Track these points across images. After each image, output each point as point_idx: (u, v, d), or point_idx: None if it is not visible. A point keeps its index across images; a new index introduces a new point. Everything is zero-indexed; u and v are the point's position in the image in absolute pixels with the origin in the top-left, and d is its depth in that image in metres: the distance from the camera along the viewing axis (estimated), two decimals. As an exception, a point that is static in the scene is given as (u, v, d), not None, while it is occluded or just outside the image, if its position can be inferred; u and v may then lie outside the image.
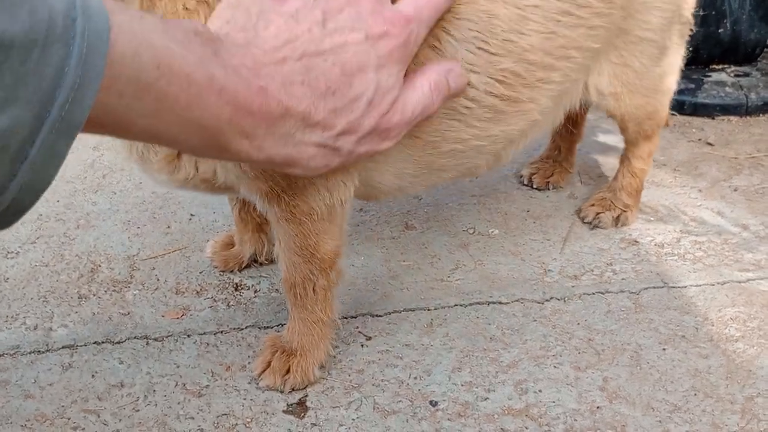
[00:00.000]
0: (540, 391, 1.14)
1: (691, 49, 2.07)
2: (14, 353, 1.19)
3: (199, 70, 0.68)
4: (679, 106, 2.01)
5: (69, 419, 1.08)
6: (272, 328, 1.25)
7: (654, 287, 1.36)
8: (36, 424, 1.07)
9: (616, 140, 1.66)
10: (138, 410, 1.10)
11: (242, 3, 0.85)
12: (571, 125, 1.65)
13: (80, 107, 0.55)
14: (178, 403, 1.11)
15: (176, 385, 1.14)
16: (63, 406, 1.10)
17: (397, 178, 1.13)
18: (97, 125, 0.62)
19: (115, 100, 0.61)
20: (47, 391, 1.13)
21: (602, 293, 1.35)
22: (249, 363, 1.18)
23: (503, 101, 1.08)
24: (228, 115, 0.71)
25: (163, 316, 1.28)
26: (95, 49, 0.56)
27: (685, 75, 2.07)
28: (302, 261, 1.08)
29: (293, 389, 1.13)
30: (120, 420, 1.08)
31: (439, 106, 0.93)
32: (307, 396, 1.13)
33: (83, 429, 1.06)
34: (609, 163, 1.76)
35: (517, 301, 1.33)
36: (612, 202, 1.55)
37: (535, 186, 1.67)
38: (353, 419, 1.09)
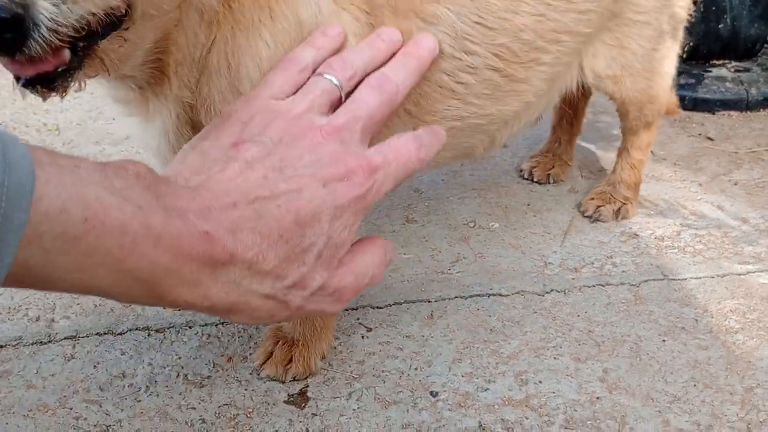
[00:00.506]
0: (540, 382, 1.14)
1: (691, 44, 2.09)
2: (17, 344, 1.20)
3: (136, 218, 0.65)
4: (679, 101, 2.01)
5: (71, 409, 1.08)
6: (273, 319, 1.26)
7: (654, 279, 1.36)
8: (38, 414, 1.07)
9: (616, 135, 1.66)
10: (140, 400, 1.10)
11: (200, 145, 0.83)
12: (571, 117, 1.66)
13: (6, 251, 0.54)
14: (180, 394, 1.11)
15: (178, 375, 1.14)
16: (65, 396, 1.10)
17: None
18: (19, 281, 0.59)
19: (39, 255, 0.58)
20: (49, 381, 1.13)
21: (602, 285, 1.35)
22: (250, 354, 1.18)
23: (501, 77, 1.11)
24: (166, 263, 0.68)
25: (164, 308, 1.28)
26: (16, 203, 0.54)
27: (686, 70, 2.08)
28: None
29: (295, 379, 1.13)
30: (122, 410, 1.08)
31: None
32: (308, 386, 1.13)
33: (85, 419, 1.07)
34: (609, 158, 1.76)
35: (517, 293, 1.33)
36: (612, 195, 1.55)
37: (535, 179, 1.68)
38: (354, 409, 1.09)
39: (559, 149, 1.71)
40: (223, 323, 1.25)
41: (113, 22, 0.78)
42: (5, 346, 1.19)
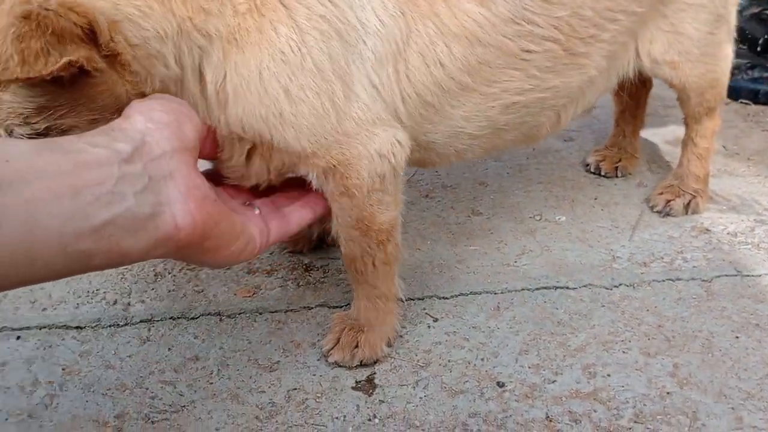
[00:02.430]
0: (608, 375, 1.13)
1: (766, 37, 2.03)
2: (95, 326, 1.24)
3: None
4: (753, 96, 1.96)
5: (147, 389, 1.12)
6: (341, 307, 1.28)
7: (726, 275, 1.34)
8: (116, 393, 1.11)
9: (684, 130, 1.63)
10: (212, 383, 1.13)
11: None
12: (633, 108, 1.65)
13: None
14: (251, 377, 1.14)
15: (248, 360, 1.17)
16: (141, 376, 1.14)
17: (453, 138, 1.14)
18: None
19: None
20: (126, 362, 1.17)
21: (672, 280, 1.33)
22: (318, 341, 1.20)
23: (562, 50, 1.13)
24: None
25: (235, 294, 1.31)
26: None
27: (760, 64, 2.02)
28: (359, 234, 1.11)
29: (362, 363, 1.15)
30: (195, 391, 1.11)
31: None
32: (375, 374, 1.15)
33: (161, 399, 1.10)
34: (678, 154, 1.72)
35: (584, 286, 1.32)
36: (680, 188, 1.53)
37: (603, 173, 1.66)
38: (421, 397, 1.10)
39: (624, 142, 1.69)
40: (292, 310, 1.27)
41: None
42: (85, 327, 1.24)
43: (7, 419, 1.07)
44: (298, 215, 1.05)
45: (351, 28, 1.00)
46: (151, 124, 0.82)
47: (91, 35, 0.83)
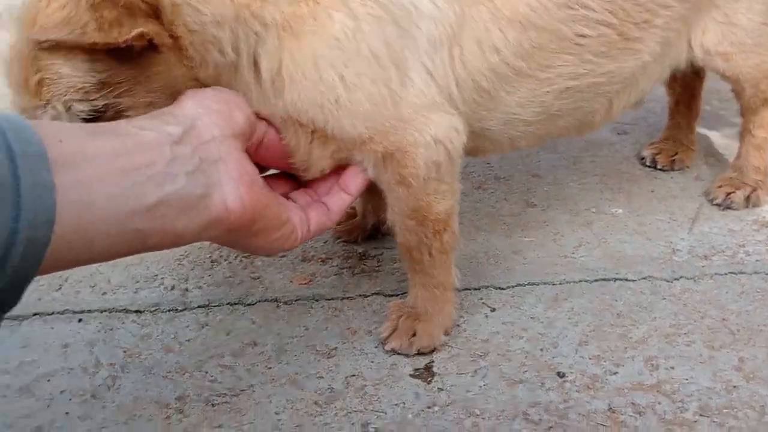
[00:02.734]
0: (672, 368, 1.11)
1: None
2: (155, 310, 1.25)
3: None
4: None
5: (207, 373, 1.13)
6: (397, 296, 1.27)
7: (791, 270, 1.31)
8: (176, 376, 1.12)
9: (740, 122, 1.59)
10: (270, 368, 1.14)
11: None
12: (687, 100, 1.62)
13: (34, 143, 0.62)
14: (309, 363, 1.14)
15: (306, 346, 1.17)
16: (201, 360, 1.15)
17: (508, 125, 1.13)
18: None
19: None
20: (186, 346, 1.18)
21: (735, 274, 1.30)
22: (375, 328, 1.20)
23: (616, 34, 1.13)
24: None
25: (291, 281, 1.31)
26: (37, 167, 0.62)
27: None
28: (415, 224, 1.10)
29: (419, 352, 1.14)
30: (254, 376, 1.12)
31: None
32: (433, 362, 1.14)
33: (220, 382, 1.11)
34: (735, 147, 1.69)
35: (644, 278, 1.30)
36: (740, 180, 1.50)
37: (659, 166, 1.63)
38: (480, 386, 1.09)
39: (680, 134, 1.66)
40: (348, 298, 1.27)
41: None
42: (144, 311, 1.25)
43: (70, 399, 1.08)
44: (336, 201, 1.05)
45: (405, 12, 1.00)
46: (201, 110, 0.84)
47: (155, 14, 0.84)
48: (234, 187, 0.82)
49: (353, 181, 1.05)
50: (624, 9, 1.12)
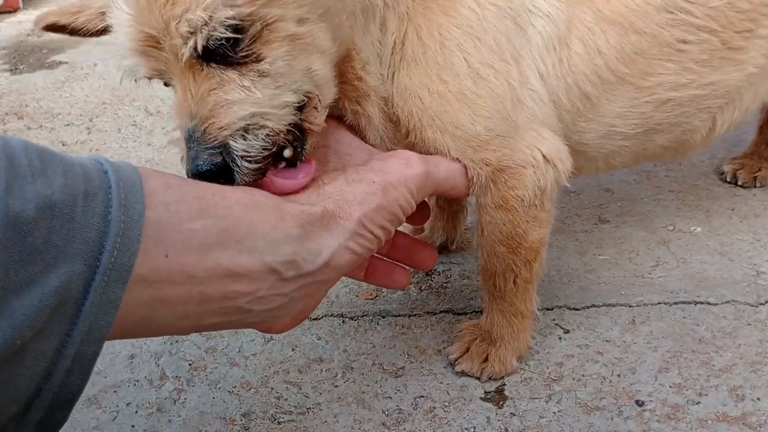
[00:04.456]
0: (758, 399, 1.05)
1: None
2: (220, 322, 1.24)
3: None
4: None
5: (272, 389, 1.11)
6: (466, 314, 1.24)
7: None
8: (242, 391, 1.11)
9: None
10: (337, 385, 1.11)
11: None
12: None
13: (128, 251, 0.56)
14: (376, 382, 1.11)
15: (373, 364, 1.14)
16: (266, 375, 1.13)
17: (605, 139, 1.08)
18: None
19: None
20: (251, 360, 1.16)
21: (826, 300, 1.23)
22: (444, 347, 1.17)
23: (719, 41, 1.07)
24: None
25: (357, 296, 1.29)
26: (132, 194, 0.58)
27: None
28: (507, 251, 1.05)
29: (490, 378, 1.10)
30: (320, 393, 1.10)
31: None
32: (504, 385, 1.10)
33: (286, 399, 1.09)
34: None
35: (727, 302, 1.23)
36: None
37: (740, 183, 1.56)
38: (554, 412, 1.04)
39: (766, 151, 1.58)
40: (416, 315, 1.24)
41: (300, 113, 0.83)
42: (210, 323, 1.24)
43: (137, 412, 1.08)
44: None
45: (523, 9, 0.96)
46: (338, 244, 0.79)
47: None
48: (289, 320, 0.82)
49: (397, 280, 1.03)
50: (726, 16, 1.07)
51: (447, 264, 1.37)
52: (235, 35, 0.76)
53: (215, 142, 0.77)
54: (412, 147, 0.95)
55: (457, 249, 1.39)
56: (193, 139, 0.77)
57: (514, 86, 0.95)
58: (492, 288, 1.10)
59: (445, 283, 1.32)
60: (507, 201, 1.00)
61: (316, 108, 0.84)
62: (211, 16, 0.74)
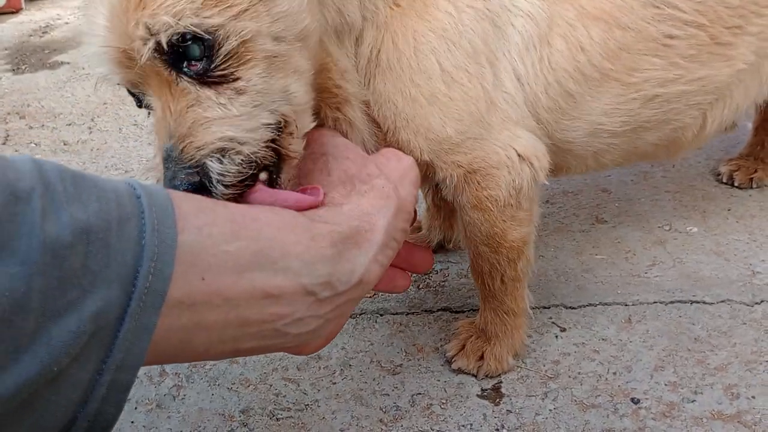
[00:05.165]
0: (753, 397, 1.06)
1: None
2: (219, 320, 1.25)
3: None
4: None
5: (271, 386, 1.12)
6: (463, 312, 1.25)
7: None
8: (241, 388, 1.12)
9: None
10: (335, 383, 1.12)
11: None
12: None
13: (162, 276, 0.56)
14: (374, 379, 1.12)
15: (371, 361, 1.15)
16: (265, 373, 1.14)
17: (592, 137, 1.09)
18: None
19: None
20: (250, 358, 1.17)
21: (820, 299, 1.24)
22: (441, 345, 1.18)
23: (707, 36, 1.07)
24: None
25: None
26: (164, 219, 0.57)
27: None
28: (489, 250, 1.06)
29: (487, 375, 1.11)
30: (318, 390, 1.11)
31: None
32: (501, 383, 1.11)
33: (284, 396, 1.10)
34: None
35: (722, 302, 1.24)
36: None
37: (736, 184, 1.57)
38: (550, 410, 1.05)
39: (762, 152, 1.59)
40: (413, 313, 1.25)
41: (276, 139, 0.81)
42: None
43: (136, 408, 1.09)
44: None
45: (502, 9, 0.97)
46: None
47: None
48: (321, 341, 0.81)
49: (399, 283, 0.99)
50: (715, 11, 1.07)
51: (444, 263, 1.38)
52: (204, 46, 0.75)
53: (192, 161, 0.76)
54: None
55: (455, 248, 1.40)
56: (171, 159, 0.76)
57: (487, 89, 0.96)
58: (483, 287, 1.11)
59: (443, 281, 1.33)
60: (481, 201, 1.01)
61: (292, 134, 0.83)
62: (177, 22, 0.72)
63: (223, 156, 0.76)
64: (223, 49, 0.75)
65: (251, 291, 0.65)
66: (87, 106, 2.14)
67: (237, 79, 0.77)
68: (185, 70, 0.76)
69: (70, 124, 2.04)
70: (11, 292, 0.46)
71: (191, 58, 0.75)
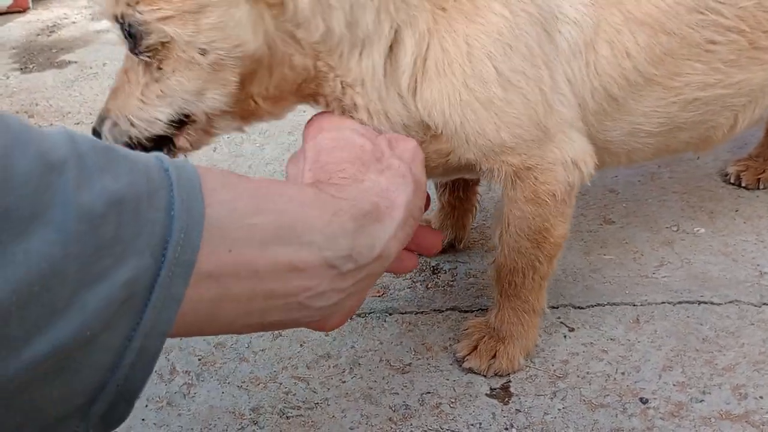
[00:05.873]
0: (761, 397, 1.06)
1: None
2: (229, 319, 1.26)
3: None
4: None
5: (281, 384, 1.12)
6: (472, 312, 1.25)
7: None
8: (251, 386, 1.12)
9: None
10: (344, 381, 1.12)
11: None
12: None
13: (191, 247, 0.56)
14: (383, 378, 1.13)
15: (380, 360, 1.16)
16: (275, 371, 1.15)
17: (630, 136, 1.10)
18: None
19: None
20: (260, 356, 1.18)
21: (828, 300, 1.24)
22: (450, 344, 1.18)
23: (747, 41, 1.07)
24: None
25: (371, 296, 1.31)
26: (192, 192, 0.58)
27: None
28: (531, 246, 1.06)
29: (497, 374, 1.11)
30: (328, 389, 1.11)
31: None
32: (510, 382, 1.11)
33: (294, 394, 1.10)
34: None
35: (730, 302, 1.24)
36: None
37: (743, 185, 1.57)
38: (559, 409, 1.06)
39: (771, 153, 1.59)
40: (422, 312, 1.26)
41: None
42: (219, 319, 1.25)
43: (146, 405, 1.09)
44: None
45: (551, 16, 0.97)
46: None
47: None
48: (341, 317, 0.81)
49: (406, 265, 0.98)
50: (754, 16, 1.07)
51: (453, 262, 1.38)
52: (130, 34, 0.85)
53: (98, 121, 0.92)
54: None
55: (464, 248, 1.40)
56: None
57: (545, 92, 0.96)
58: (506, 285, 1.11)
59: (452, 281, 1.33)
60: (538, 195, 1.01)
61: (190, 133, 0.92)
62: (113, 7, 0.84)
63: (114, 128, 0.91)
64: (144, 42, 0.84)
65: (276, 264, 0.66)
66: (95, 105, 2.15)
67: (160, 69, 0.86)
68: (128, 42, 0.87)
69: (78, 123, 2.05)
70: (49, 258, 0.47)
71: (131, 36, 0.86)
